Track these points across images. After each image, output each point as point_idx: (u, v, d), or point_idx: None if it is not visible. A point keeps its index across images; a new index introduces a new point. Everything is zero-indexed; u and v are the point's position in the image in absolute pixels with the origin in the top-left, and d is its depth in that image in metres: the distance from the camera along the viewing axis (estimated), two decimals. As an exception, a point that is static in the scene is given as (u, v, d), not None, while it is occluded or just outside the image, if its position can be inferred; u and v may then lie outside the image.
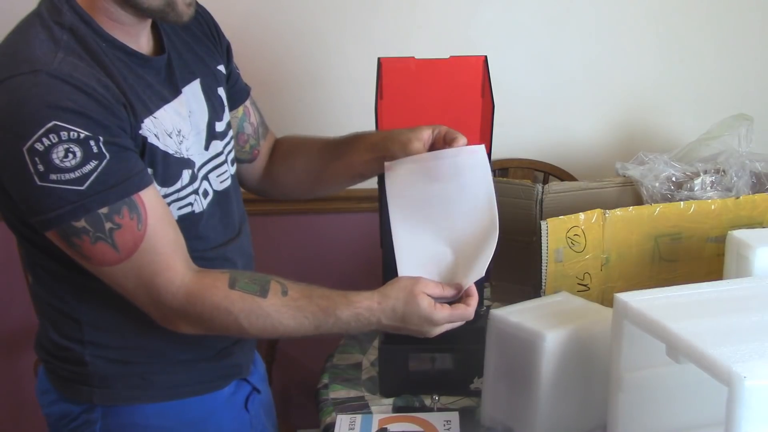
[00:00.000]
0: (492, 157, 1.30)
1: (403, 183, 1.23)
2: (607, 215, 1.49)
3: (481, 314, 1.42)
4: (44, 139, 1.00)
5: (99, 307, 1.18)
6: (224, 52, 1.35)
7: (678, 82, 2.18)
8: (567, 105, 2.17)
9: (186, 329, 1.15)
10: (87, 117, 1.02)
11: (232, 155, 1.33)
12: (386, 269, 1.51)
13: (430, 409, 1.44)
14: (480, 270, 1.18)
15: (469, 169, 1.20)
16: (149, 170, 1.12)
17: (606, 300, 1.49)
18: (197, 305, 1.12)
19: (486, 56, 1.51)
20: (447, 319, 1.16)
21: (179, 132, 1.17)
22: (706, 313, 1.07)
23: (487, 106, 1.37)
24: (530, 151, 2.19)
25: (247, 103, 1.41)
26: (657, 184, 1.64)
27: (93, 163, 1.02)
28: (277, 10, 2.02)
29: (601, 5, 2.11)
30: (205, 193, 1.24)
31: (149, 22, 1.18)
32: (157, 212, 1.10)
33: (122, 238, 1.06)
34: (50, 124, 1.00)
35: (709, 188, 1.65)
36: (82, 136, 1.01)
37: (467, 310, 1.16)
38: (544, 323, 1.23)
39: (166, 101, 1.17)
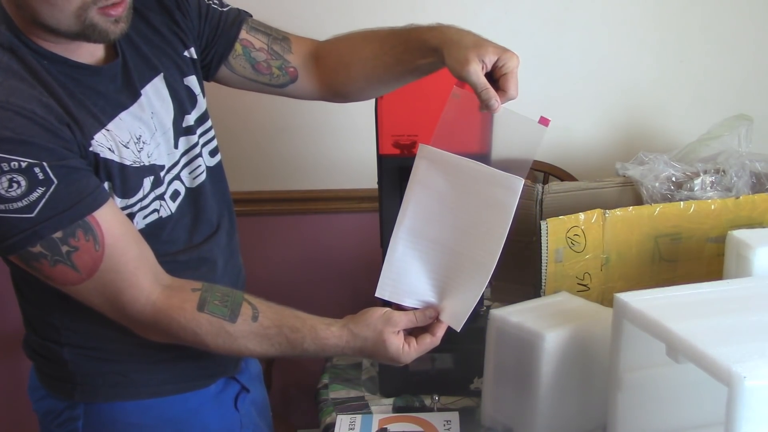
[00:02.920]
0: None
1: (430, 179, 1.14)
2: (607, 215, 1.49)
3: (481, 314, 1.43)
4: None
5: (74, 313, 1.17)
6: (195, 16, 1.26)
7: (678, 82, 2.18)
8: (567, 105, 2.17)
9: (156, 339, 1.16)
10: (28, 144, 1.00)
11: (209, 146, 1.29)
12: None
13: (430, 409, 1.44)
14: (462, 316, 1.13)
15: (496, 203, 1.12)
16: (107, 184, 1.10)
17: (606, 300, 1.49)
18: (163, 323, 1.12)
19: (486, 56, 1.51)
20: (414, 357, 1.15)
21: (139, 138, 1.14)
22: (706, 313, 1.07)
23: (487, 106, 1.36)
24: (530, 151, 2.19)
25: (243, 34, 1.30)
26: (657, 184, 1.64)
27: (40, 190, 1.01)
28: (276, 10, 2.02)
29: (601, 5, 2.11)
30: (175, 195, 1.21)
31: None
32: (115, 231, 1.08)
33: (81, 260, 1.05)
34: None
35: (709, 188, 1.65)
36: (24, 164, 0.99)
37: (434, 341, 1.15)
38: (544, 323, 1.23)
39: (124, 108, 1.14)
